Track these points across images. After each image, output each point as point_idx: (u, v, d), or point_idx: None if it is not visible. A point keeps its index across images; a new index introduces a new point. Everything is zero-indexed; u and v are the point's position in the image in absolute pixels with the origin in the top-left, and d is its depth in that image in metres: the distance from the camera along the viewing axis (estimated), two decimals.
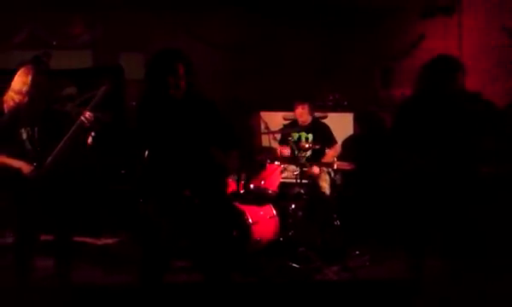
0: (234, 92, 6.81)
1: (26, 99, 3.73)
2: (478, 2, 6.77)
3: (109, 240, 5.70)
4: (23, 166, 3.69)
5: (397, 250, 5.24)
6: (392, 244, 5.28)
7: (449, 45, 6.83)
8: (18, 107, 3.74)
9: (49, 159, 3.69)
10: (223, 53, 7.31)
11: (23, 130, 3.76)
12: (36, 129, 3.77)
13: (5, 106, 3.76)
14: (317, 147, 5.61)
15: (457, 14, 6.90)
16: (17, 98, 3.72)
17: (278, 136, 6.08)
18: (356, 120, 6.63)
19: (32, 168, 3.69)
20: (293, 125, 5.86)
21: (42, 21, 7.24)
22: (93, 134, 3.77)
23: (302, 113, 5.73)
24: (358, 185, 5.98)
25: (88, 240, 5.64)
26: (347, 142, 6.20)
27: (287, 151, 5.59)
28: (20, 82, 3.74)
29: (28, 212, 3.75)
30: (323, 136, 5.73)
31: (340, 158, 5.47)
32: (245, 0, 7.15)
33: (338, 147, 5.85)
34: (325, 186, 5.56)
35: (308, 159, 5.62)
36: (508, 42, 6.38)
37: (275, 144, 6.05)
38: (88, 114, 3.68)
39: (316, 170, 5.57)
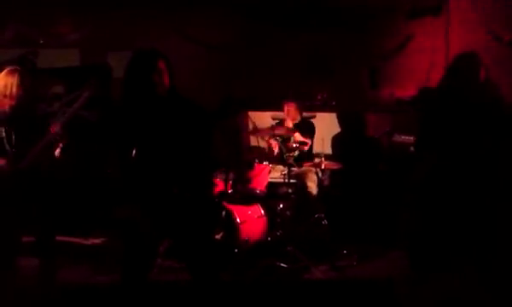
0: (222, 91, 6.78)
1: (12, 101, 3.71)
2: (465, 3, 6.81)
3: (97, 240, 5.68)
4: None
5: (384, 249, 5.30)
6: (380, 243, 5.31)
7: (437, 45, 6.87)
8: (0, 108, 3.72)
9: (24, 161, 3.67)
10: (212, 52, 7.27)
11: (1, 129, 3.73)
12: (13, 129, 3.74)
13: None
14: (305, 148, 5.65)
15: (445, 14, 6.94)
16: (3, 100, 3.70)
17: (266, 137, 6.08)
18: (339, 119, 6.70)
19: (4, 161, 3.67)
20: (282, 125, 5.90)
21: (28, 19, 7.17)
22: (61, 145, 3.76)
23: (289, 112, 5.84)
24: (345, 184, 6.01)
25: (76, 240, 5.62)
26: (334, 141, 6.23)
27: (276, 147, 5.66)
28: (6, 84, 3.71)
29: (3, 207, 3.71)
30: (309, 130, 5.84)
31: (328, 157, 5.50)
32: (234, 0, 7.15)
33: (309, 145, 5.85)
34: (312, 186, 5.58)
35: (296, 158, 5.64)
36: (494, 43, 6.44)
37: (263, 143, 6.07)
38: (55, 126, 3.66)
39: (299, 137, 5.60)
